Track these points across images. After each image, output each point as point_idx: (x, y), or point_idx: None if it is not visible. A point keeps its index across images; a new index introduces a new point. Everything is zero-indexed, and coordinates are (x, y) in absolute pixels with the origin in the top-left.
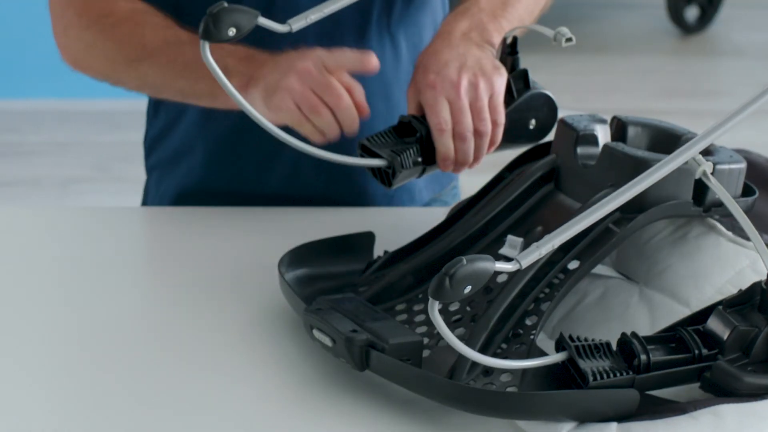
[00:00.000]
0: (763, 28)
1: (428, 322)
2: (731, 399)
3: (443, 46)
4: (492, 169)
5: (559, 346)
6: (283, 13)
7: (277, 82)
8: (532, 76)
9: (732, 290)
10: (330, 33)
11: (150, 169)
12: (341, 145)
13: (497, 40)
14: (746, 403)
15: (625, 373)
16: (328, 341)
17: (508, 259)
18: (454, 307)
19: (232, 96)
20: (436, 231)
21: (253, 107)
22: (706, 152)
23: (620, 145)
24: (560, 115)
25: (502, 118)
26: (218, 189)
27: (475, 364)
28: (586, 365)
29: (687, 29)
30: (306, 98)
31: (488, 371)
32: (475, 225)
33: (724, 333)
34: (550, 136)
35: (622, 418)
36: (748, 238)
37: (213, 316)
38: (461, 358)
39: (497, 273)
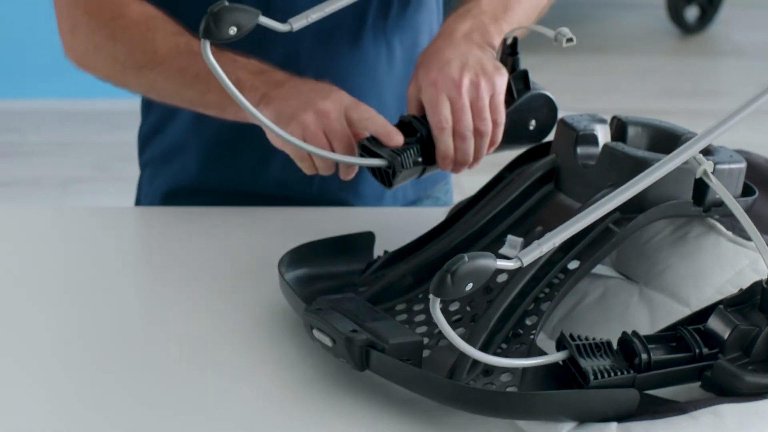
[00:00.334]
0: (763, 28)
1: (428, 322)
2: (731, 399)
3: (445, 45)
4: (492, 169)
5: (560, 345)
6: (281, 13)
7: (294, 113)
8: (532, 77)
9: (732, 290)
10: (326, 35)
11: (143, 165)
12: None
13: (497, 42)
14: (746, 402)
15: (626, 372)
16: (328, 341)
17: (508, 259)
18: (454, 307)
19: (235, 98)
20: (436, 231)
21: (262, 124)
22: (706, 152)
23: (620, 145)
24: (560, 115)
25: (502, 118)
26: (211, 187)
27: (475, 364)
28: (587, 364)
29: (687, 29)
30: (317, 139)
31: (488, 371)
32: (475, 225)
33: (724, 332)
34: (550, 136)
35: (622, 417)
36: (748, 238)
37: (213, 315)
38: (461, 358)
39: (497, 273)
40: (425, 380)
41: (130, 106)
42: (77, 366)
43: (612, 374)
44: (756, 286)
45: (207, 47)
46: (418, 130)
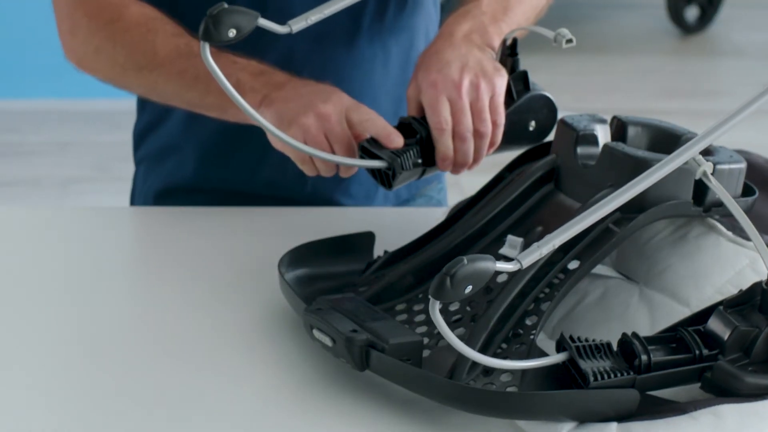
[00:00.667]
0: (763, 28)
1: (428, 322)
2: (731, 399)
3: (445, 46)
4: (492, 169)
5: (560, 347)
6: (278, 15)
7: (295, 116)
8: (532, 78)
9: (732, 290)
10: (321, 37)
11: (138, 161)
12: None
13: (497, 43)
14: (746, 403)
15: (626, 374)
16: (328, 341)
17: (508, 259)
18: (454, 307)
19: (235, 100)
20: (436, 231)
21: (263, 126)
22: (706, 152)
23: (620, 145)
24: (560, 115)
25: (502, 119)
26: (205, 187)
27: (475, 364)
28: (587, 365)
29: (687, 29)
30: (318, 142)
31: (488, 371)
32: (475, 225)
33: (724, 333)
34: (550, 137)
35: (622, 418)
36: (748, 238)
37: (213, 316)
38: (461, 358)
39: (497, 273)
40: (425, 380)
41: (130, 106)
42: (77, 366)
43: (612, 375)
44: (756, 287)
45: (206, 49)
46: (417, 132)
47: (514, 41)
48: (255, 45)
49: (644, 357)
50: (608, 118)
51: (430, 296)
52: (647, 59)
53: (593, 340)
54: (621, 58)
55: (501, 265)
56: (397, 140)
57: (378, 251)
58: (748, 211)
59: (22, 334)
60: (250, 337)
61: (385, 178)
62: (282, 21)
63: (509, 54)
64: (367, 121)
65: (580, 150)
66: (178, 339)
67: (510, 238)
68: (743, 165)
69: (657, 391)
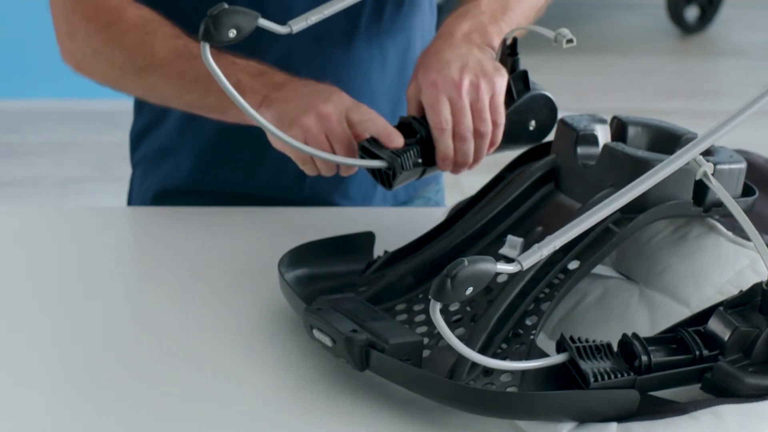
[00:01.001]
0: (763, 28)
1: (428, 322)
2: (732, 399)
3: (445, 46)
4: (492, 169)
5: (560, 347)
6: (277, 15)
7: (295, 116)
8: (532, 77)
9: (732, 290)
10: (319, 37)
11: (135, 163)
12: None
13: (497, 42)
14: (747, 403)
15: (626, 374)
16: (328, 341)
17: (508, 259)
18: (454, 307)
19: (236, 101)
20: (436, 231)
21: (263, 126)
22: (707, 152)
23: (620, 145)
24: (560, 115)
25: (502, 119)
26: (203, 189)
27: (475, 364)
28: (587, 366)
29: (687, 29)
30: (319, 143)
31: (488, 371)
32: (475, 225)
33: (725, 334)
34: (551, 136)
35: (622, 418)
36: (748, 238)
37: (213, 315)
38: (461, 358)
39: (498, 273)
40: (425, 380)
41: (130, 106)
42: (76, 366)
43: (612, 376)
44: (756, 287)
45: (206, 50)
46: (417, 131)
47: (514, 41)
48: (254, 45)
49: (644, 358)
50: (608, 118)
51: (430, 298)
52: (647, 59)
53: (593, 341)
54: (621, 58)
55: (502, 267)
56: (398, 140)
57: (378, 251)
58: (748, 211)
59: (21, 333)
60: (250, 337)
61: (385, 178)
62: (281, 21)
63: (509, 54)
64: (367, 121)
65: (580, 150)
66: (177, 339)
67: (510, 238)
68: (743, 165)
69: (657, 392)
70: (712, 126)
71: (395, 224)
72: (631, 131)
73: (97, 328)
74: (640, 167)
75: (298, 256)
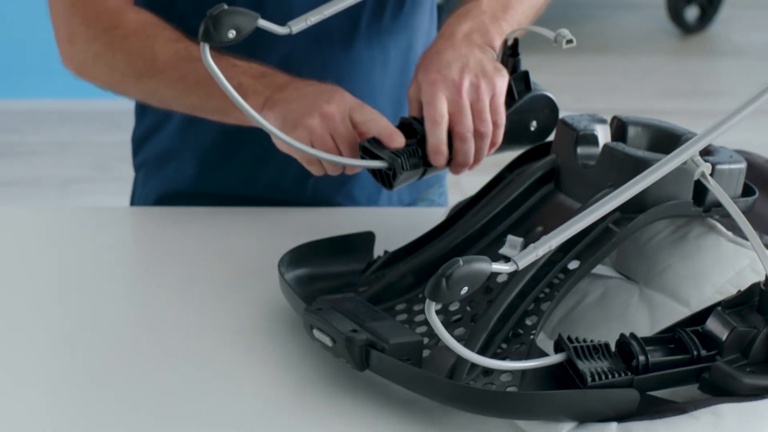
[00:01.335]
0: (763, 28)
1: (428, 322)
2: (731, 398)
3: (446, 47)
4: (492, 169)
5: (558, 347)
6: (277, 15)
7: (299, 118)
8: (532, 78)
9: (732, 290)
10: (320, 38)
11: (137, 166)
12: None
13: (498, 42)
14: (746, 402)
15: (623, 374)
16: (328, 341)
17: (507, 260)
18: (454, 307)
19: (239, 104)
20: (436, 231)
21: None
22: (707, 152)
23: (620, 145)
24: (560, 115)
25: (502, 119)
26: (205, 191)
27: (475, 364)
28: (585, 366)
29: (687, 29)
30: (324, 143)
31: (488, 371)
32: (475, 225)
33: (722, 334)
34: (551, 137)
35: (622, 418)
36: (748, 239)
37: (213, 316)
38: (461, 358)
39: (497, 273)
40: (425, 380)
41: (131, 106)
42: (76, 366)
43: (609, 376)
44: (754, 287)
45: (206, 51)
46: (418, 132)
47: (516, 41)
48: (255, 47)
49: (642, 358)
50: (608, 118)
51: (426, 297)
52: (647, 59)
53: (591, 341)
54: (621, 58)
55: (497, 266)
56: (399, 140)
57: (378, 251)
58: (748, 212)
59: (21, 333)
60: (250, 337)
61: (385, 178)
62: (281, 22)
63: (510, 54)
64: (370, 121)
65: (580, 150)
66: (177, 339)
67: (510, 238)
68: (743, 165)
69: (657, 391)
70: (709, 125)
71: (395, 224)
72: (631, 131)
73: (97, 328)
74: (640, 167)
75: (298, 256)
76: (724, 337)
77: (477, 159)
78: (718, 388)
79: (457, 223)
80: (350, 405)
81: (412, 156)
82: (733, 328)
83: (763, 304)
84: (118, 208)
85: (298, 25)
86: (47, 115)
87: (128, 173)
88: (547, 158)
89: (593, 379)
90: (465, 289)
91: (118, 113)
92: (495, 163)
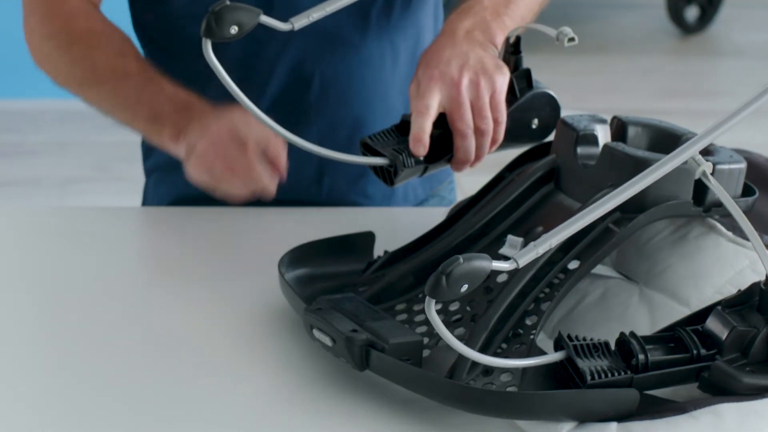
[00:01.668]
0: (763, 28)
1: (428, 322)
2: (731, 398)
3: (446, 44)
4: (492, 169)
5: (558, 345)
6: (284, 12)
7: (193, 145)
8: (534, 76)
9: (732, 290)
10: (330, 36)
11: (148, 171)
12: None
13: (500, 38)
14: (746, 402)
15: (623, 373)
16: (328, 341)
17: (507, 259)
18: (454, 307)
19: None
20: (436, 231)
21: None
22: (707, 152)
23: (620, 145)
24: (562, 114)
25: (503, 117)
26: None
27: (475, 364)
28: (584, 364)
29: (687, 29)
30: (214, 168)
31: (488, 371)
32: (475, 225)
33: (722, 333)
34: (551, 136)
35: (622, 417)
36: (748, 239)
37: (213, 316)
38: (461, 357)
39: (497, 273)
40: (425, 380)
41: None
42: (77, 365)
43: (609, 375)
44: (754, 287)
45: (208, 47)
46: None
47: (518, 39)
48: (266, 48)
49: (641, 356)
50: (608, 118)
51: (426, 295)
52: (647, 59)
53: (591, 339)
54: (621, 58)
55: (497, 264)
56: (283, 172)
57: (378, 251)
58: (748, 211)
59: (21, 334)
60: (250, 337)
61: (387, 175)
62: (288, 19)
63: (512, 52)
64: (262, 143)
65: (580, 150)
66: (177, 339)
67: (510, 238)
68: (743, 165)
69: (656, 391)
70: (710, 125)
71: (395, 224)
72: (631, 131)
73: (97, 328)
74: (640, 167)
75: (298, 256)
76: (724, 337)
77: (478, 156)
78: (717, 388)
79: (457, 223)
80: (350, 405)
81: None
82: (733, 328)
83: (763, 303)
84: (118, 208)
85: (300, 21)
86: (47, 115)
87: (128, 173)
88: (547, 158)
89: (593, 378)
90: (465, 287)
91: None
92: (495, 162)
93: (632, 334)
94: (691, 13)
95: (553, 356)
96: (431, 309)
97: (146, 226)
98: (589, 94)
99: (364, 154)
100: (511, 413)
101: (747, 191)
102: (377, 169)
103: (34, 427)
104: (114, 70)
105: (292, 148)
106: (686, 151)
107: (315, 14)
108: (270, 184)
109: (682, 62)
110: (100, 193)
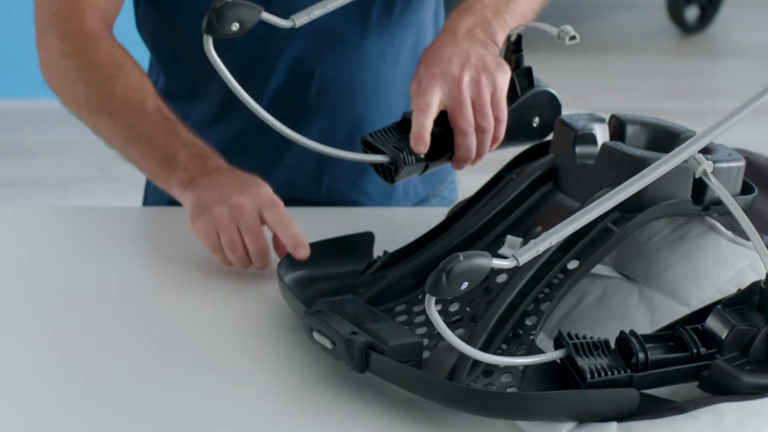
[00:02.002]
0: (763, 28)
1: (428, 323)
2: (731, 397)
3: (447, 42)
4: (491, 169)
5: (558, 344)
6: (284, 11)
7: (209, 205)
8: (535, 74)
9: (732, 290)
10: (331, 35)
11: None
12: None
13: (501, 37)
14: (746, 401)
15: (623, 371)
16: (328, 343)
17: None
18: (454, 308)
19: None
20: (435, 231)
21: (186, 207)
22: (705, 151)
23: (619, 145)
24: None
25: (504, 114)
26: None
27: (475, 365)
28: (584, 363)
29: (687, 29)
30: (229, 233)
31: (488, 372)
32: (475, 225)
33: (722, 332)
34: (550, 136)
35: (622, 417)
36: (747, 238)
37: (213, 318)
38: (461, 359)
39: (497, 273)
40: (425, 381)
41: None
42: (77, 366)
43: (609, 373)
44: (754, 286)
45: (209, 43)
46: None
47: (519, 37)
48: (267, 46)
49: (641, 355)
50: (607, 118)
51: (426, 292)
52: (647, 59)
53: (591, 338)
54: (621, 58)
55: (497, 262)
56: (303, 252)
57: (378, 251)
58: (747, 210)
59: (21, 334)
60: (251, 339)
61: (387, 172)
62: (288, 17)
63: (513, 50)
64: (279, 224)
65: (578, 149)
66: (178, 340)
67: (509, 238)
68: (742, 163)
69: (656, 390)
70: (709, 124)
71: (395, 224)
72: (630, 130)
73: (97, 328)
74: (639, 166)
75: None
76: (723, 336)
77: (479, 154)
78: (717, 387)
79: (457, 224)
80: (350, 407)
81: (414, 151)
82: (733, 327)
83: (763, 302)
84: (118, 208)
85: (301, 19)
86: (47, 115)
87: (129, 173)
88: (545, 158)
89: (593, 376)
90: (465, 284)
91: None
92: (494, 162)
93: (632, 332)
94: (691, 13)
95: (553, 354)
96: (431, 307)
97: (146, 227)
98: (589, 94)
99: (365, 152)
100: (512, 414)
101: (746, 189)
102: (378, 167)
103: (35, 427)
104: (131, 102)
105: (292, 146)
106: (686, 149)
107: (316, 11)
108: (268, 264)
109: (682, 62)
110: (100, 193)
